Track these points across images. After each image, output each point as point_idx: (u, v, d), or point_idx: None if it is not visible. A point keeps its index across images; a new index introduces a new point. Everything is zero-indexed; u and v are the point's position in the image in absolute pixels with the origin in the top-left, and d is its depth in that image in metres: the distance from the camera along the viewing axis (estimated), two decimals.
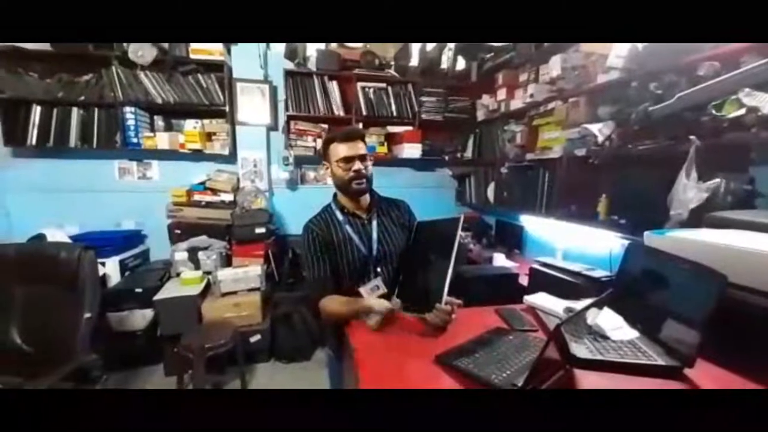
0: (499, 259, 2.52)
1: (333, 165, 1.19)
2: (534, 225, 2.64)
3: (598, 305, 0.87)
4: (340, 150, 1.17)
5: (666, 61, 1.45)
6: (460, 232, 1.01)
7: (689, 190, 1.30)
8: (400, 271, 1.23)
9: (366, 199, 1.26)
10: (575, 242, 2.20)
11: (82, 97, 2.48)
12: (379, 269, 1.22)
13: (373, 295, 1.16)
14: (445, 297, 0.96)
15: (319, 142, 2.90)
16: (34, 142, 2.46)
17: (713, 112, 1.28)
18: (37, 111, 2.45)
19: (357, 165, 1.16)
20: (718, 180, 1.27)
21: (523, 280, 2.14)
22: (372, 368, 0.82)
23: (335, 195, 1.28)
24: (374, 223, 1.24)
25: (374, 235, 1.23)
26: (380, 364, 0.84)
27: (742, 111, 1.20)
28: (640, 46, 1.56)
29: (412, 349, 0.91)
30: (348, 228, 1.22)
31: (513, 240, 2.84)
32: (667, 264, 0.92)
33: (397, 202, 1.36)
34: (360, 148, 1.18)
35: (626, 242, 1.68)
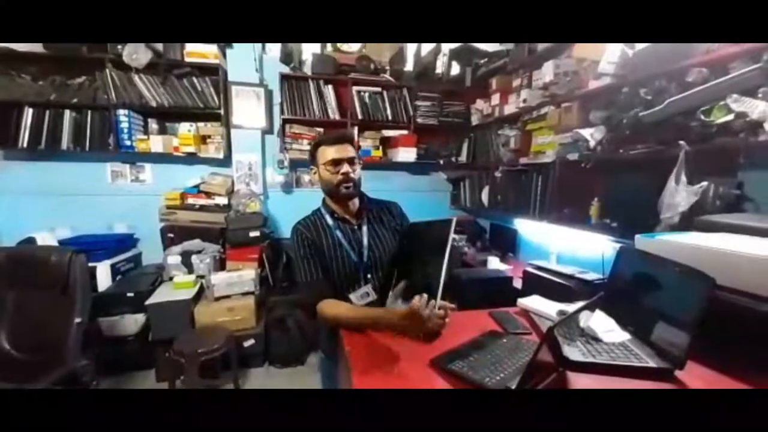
0: (494, 263, 2.54)
1: (321, 168, 1.17)
2: (528, 228, 2.66)
3: (590, 308, 0.88)
4: (328, 153, 1.14)
5: (656, 67, 1.48)
6: (452, 235, 1.00)
7: (678, 194, 1.32)
8: (394, 274, 1.22)
9: (355, 203, 1.23)
10: (568, 245, 2.22)
11: (75, 100, 2.47)
12: (369, 276, 1.19)
13: (362, 302, 1.16)
14: (438, 301, 0.95)
15: None
16: (25, 144, 2.43)
17: (702, 117, 1.30)
18: (29, 113, 2.42)
19: (345, 168, 1.13)
20: (705, 183, 1.30)
21: (517, 283, 2.15)
22: (365, 373, 0.82)
23: (324, 199, 1.26)
24: (364, 228, 1.21)
25: (365, 242, 1.20)
26: (373, 368, 0.84)
27: (731, 116, 1.23)
28: (630, 52, 1.58)
29: (406, 352, 0.91)
30: (338, 233, 1.19)
31: (507, 243, 2.86)
32: (658, 267, 0.93)
33: (389, 205, 1.32)
34: (349, 151, 1.15)
35: (618, 245, 1.70)
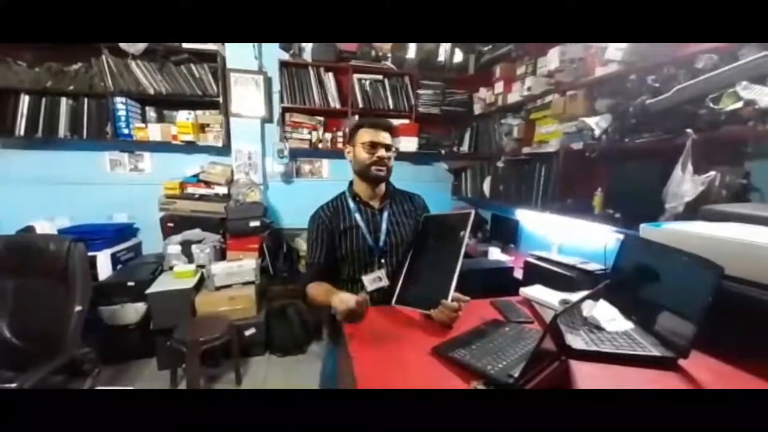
0: (495, 253, 2.53)
1: (358, 148, 1.22)
2: (529, 219, 2.64)
3: (594, 297, 0.87)
4: (367, 135, 1.20)
5: (665, 53, 1.44)
6: (469, 228, 1.00)
7: (684, 183, 1.30)
8: (404, 265, 1.22)
9: (381, 188, 1.29)
10: (571, 236, 2.21)
11: (72, 87, 2.43)
12: (383, 260, 1.22)
13: (373, 285, 1.18)
14: (451, 293, 0.95)
15: (315, 135, 2.89)
16: (22, 132, 2.41)
17: (711, 105, 1.27)
18: (25, 101, 2.39)
19: (381, 152, 1.19)
20: (713, 173, 1.28)
21: (518, 274, 2.14)
22: (366, 359, 0.81)
23: (351, 183, 1.30)
24: (385, 214, 1.26)
25: (383, 226, 1.24)
26: (375, 355, 0.83)
27: (740, 104, 1.20)
28: None
29: (408, 341, 0.90)
30: (357, 216, 1.23)
31: (508, 234, 2.85)
32: (664, 256, 0.92)
33: (412, 195, 1.39)
34: (387, 138, 1.22)
35: (621, 236, 1.68)
